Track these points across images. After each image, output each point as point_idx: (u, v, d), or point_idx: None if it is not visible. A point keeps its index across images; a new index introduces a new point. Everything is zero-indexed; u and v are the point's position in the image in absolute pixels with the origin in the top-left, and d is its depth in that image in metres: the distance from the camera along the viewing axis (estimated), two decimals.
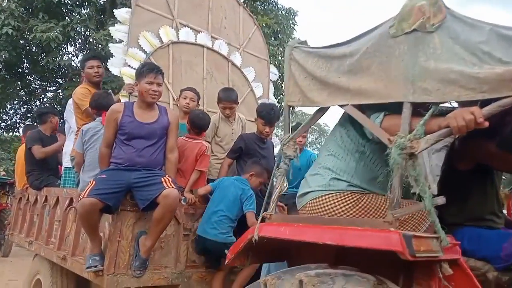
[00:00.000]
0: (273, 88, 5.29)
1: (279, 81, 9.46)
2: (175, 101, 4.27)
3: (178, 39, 4.50)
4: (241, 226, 3.40)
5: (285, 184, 2.30)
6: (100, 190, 2.97)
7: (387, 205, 2.07)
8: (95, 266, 3.13)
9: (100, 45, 11.00)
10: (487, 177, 2.33)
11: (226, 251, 2.52)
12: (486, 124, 1.61)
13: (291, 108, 2.43)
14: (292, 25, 15.31)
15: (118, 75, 4.14)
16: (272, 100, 5.33)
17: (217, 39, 4.84)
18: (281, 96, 12.95)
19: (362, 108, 2.07)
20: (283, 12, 15.33)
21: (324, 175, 2.16)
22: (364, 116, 1.98)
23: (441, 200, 1.77)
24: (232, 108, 4.03)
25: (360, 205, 2.06)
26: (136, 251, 3.19)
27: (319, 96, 2.21)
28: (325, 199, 2.11)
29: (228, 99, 4.00)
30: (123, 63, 4.09)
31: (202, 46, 4.66)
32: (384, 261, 1.81)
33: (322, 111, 2.29)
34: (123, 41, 4.15)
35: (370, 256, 1.82)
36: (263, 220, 2.31)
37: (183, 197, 3.55)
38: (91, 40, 12.52)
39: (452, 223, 2.17)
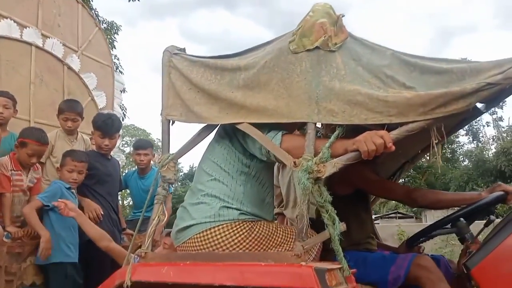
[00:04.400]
0: (121, 98, 4.70)
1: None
2: None
3: None
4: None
5: (164, 213, 1.93)
6: None
7: (279, 233, 1.92)
8: None
9: None
10: (363, 200, 2.39)
11: None
12: (393, 148, 1.59)
13: (170, 123, 2.08)
14: (111, 40, 14.34)
15: None
16: (118, 112, 4.73)
17: (49, 37, 4.04)
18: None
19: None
20: (105, 26, 14.34)
21: (211, 204, 1.87)
22: (264, 135, 1.78)
23: (343, 226, 1.69)
24: (75, 121, 3.38)
25: (253, 235, 1.84)
26: None
27: (207, 111, 1.94)
28: (215, 231, 1.82)
29: (71, 109, 3.36)
30: None
31: (30, 44, 3.81)
32: None
33: (210, 128, 2.01)
34: None
35: None
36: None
37: (5, 233, 2.77)
38: None
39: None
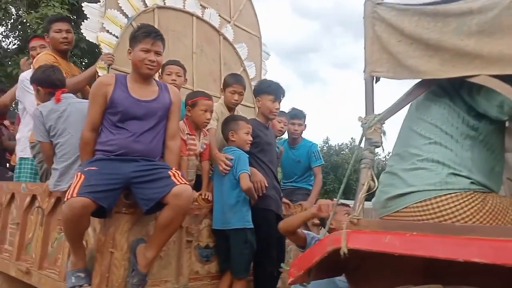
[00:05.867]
0: (267, 69, 4.68)
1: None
2: (159, 78, 3.53)
3: (164, 3, 3.76)
4: None
5: (374, 180, 1.76)
6: (94, 187, 2.24)
7: None
8: (81, 286, 2.40)
9: (32, 28, 9.70)
10: None
11: (283, 265, 1.95)
12: None
13: (375, 80, 1.90)
14: None
15: (94, 42, 3.32)
16: None
17: (206, 8, 4.13)
18: None
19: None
20: None
21: (435, 170, 1.65)
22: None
23: None
24: (241, 95, 3.41)
25: (487, 208, 1.59)
26: (133, 265, 2.50)
27: (426, 64, 1.69)
28: (442, 200, 1.60)
29: (240, 82, 3.40)
30: (100, 28, 3.29)
31: (192, 14, 3.95)
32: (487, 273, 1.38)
33: (426, 84, 1.77)
34: (100, 1, 3.34)
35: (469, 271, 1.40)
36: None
37: None
38: (24, 21, 11.03)
39: None
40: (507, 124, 1.82)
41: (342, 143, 48.67)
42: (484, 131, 1.68)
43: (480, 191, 1.61)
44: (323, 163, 4.09)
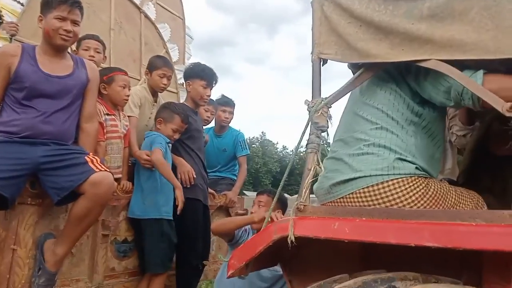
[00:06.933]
0: (191, 53, 4.43)
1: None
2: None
3: None
4: None
5: (320, 165, 1.68)
6: None
7: (451, 193, 1.67)
8: None
9: None
10: None
11: (220, 256, 1.80)
12: None
13: (322, 63, 1.82)
14: None
15: None
16: None
17: None
18: None
19: None
20: None
21: (382, 155, 1.62)
22: (462, 74, 1.50)
23: None
24: (170, 79, 3.15)
25: (430, 193, 1.60)
26: (39, 263, 2.17)
27: (375, 47, 1.65)
28: (389, 185, 1.58)
29: (169, 65, 3.15)
30: None
31: None
32: (427, 260, 1.43)
33: (373, 69, 1.73)
34: None
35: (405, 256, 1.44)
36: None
37: None
38: None
39: None
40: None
41: (253, 137, 50.08)
42: (427, 118, 1.70)
43: (423, 176, 1.62)
44: (249, 153, 4.00)
